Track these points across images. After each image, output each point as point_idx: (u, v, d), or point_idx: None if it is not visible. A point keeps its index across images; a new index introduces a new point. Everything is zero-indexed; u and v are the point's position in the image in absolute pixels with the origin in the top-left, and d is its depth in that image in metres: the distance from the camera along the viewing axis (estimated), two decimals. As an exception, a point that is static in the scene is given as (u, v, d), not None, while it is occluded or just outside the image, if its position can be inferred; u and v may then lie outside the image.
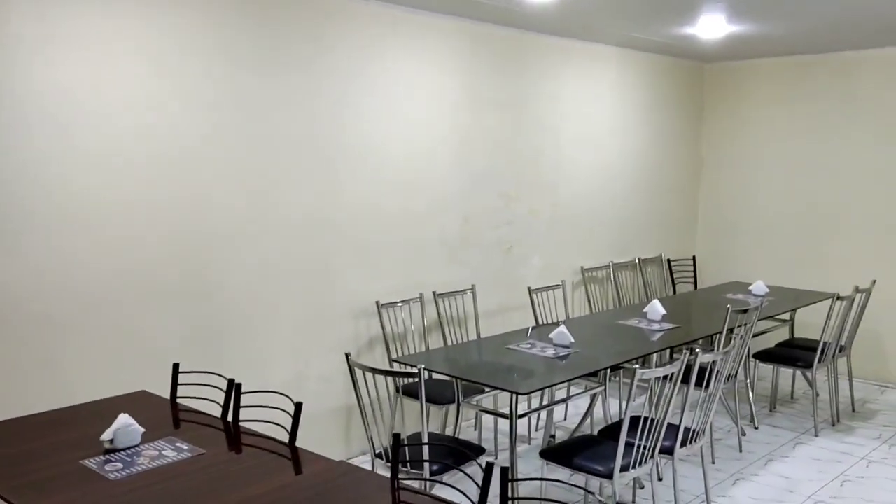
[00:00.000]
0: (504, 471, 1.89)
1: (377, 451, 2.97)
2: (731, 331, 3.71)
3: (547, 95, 4.85)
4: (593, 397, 3.85)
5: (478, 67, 4.41)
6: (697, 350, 2.89)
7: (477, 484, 1.96)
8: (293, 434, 2.40)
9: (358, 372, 2.86)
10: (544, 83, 4.82)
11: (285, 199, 3.60)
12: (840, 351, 4.64)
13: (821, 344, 4.36)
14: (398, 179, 4.06)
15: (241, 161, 3.43)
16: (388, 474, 2.78)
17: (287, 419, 2.46)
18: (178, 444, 2.29)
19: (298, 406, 2.42)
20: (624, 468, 2.79)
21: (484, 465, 1.91)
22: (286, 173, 3.59)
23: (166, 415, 2.58)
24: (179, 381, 3.01)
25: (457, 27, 4.26)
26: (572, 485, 1.92)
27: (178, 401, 2.72)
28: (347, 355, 2.88)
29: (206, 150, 3.31)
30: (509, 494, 1.62)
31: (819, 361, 4.41)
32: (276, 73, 3.50)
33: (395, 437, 2.16)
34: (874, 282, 4.75)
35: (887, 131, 5.31)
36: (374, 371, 2.79)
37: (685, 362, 2.80)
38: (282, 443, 2.32)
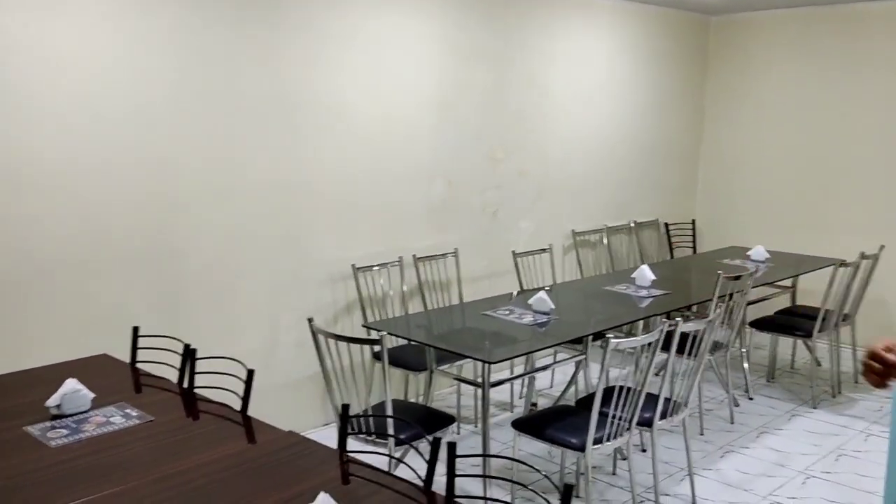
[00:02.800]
0: (451, 446, 1.78)
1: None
2: (722, 298, 3.55)
3: (537, 50, 4.62)
4: (578, 364, 3.72)
5: (462, 19, 4.19)
6: (678, 319, 2.74)
7: (424, 459, 1.86)
8: (245, 402, 2.32)
9: (321, 339, 2.75)
10: (534, 37, 4.59)
11: (255, 160, 3.46)
12: (844, 319, 4.46)
13: (822, 312, 4.19)
14: (376, 140, 3.90)
15: (207, 121, 3.29)
16: (354, 444, 2.70)
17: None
18: (127, 411, 2.22)
19: (251, 374, 2.34)
20: (598, 440, 2.68)
21: (431, 439, 1.81)
22: (255, 133, 3.45)
23: (123, 380, 2.53)
24: (143, 346, 2.93)
25: (442, -23, 4.04)
26: (516, 460, 1.80)
27: (139, 366, 2.65)
28: (310, 320, 2.77)
29: (170, 110, 3.17)
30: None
31: (820, 330, 4.24)
32: (243, 27, 3.33)
33: (345, 408, 2.05)
34: (882, 247, 4.55)
35: (901, 90, 5.03)
36: (337, 338, 2.68)
37: (664, 331, 2.65)
38: (236, 411, 2.25)
